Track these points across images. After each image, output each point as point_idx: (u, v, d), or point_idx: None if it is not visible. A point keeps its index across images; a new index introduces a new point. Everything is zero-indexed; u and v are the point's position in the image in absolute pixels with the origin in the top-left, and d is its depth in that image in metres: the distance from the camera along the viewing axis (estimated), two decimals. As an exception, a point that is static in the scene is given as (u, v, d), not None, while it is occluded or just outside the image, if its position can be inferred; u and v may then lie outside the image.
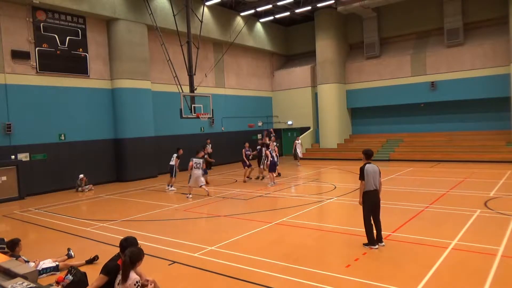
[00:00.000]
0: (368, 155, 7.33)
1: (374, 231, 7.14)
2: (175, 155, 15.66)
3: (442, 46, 22.62)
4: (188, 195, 13.38)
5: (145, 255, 4.81)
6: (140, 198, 14.09)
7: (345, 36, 26.45)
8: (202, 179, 13.53)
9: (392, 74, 24.26)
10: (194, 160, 13.50)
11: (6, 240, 7.09)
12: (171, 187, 15.45)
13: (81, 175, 16.43)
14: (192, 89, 18.18)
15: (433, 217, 9.29)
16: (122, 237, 5.04)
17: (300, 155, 21.99)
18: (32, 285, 3.79)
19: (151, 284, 4.67)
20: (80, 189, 16.24)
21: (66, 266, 6.50)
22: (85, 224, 10.16)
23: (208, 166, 21.40)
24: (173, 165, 15.37)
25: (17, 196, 14.74)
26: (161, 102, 20.60)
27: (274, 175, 15.70)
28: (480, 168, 17.36)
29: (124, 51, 18.44)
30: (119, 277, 4.50)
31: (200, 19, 19.51)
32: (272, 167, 15.43)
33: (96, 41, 18.11)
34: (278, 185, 15.22)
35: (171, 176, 15.37)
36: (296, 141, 22.09)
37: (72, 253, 7.36)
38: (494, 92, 20.75)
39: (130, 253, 4.50)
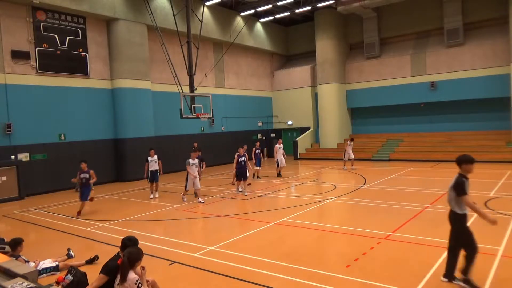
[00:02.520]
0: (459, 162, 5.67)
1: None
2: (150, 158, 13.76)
3: (442, 46, 22.62)
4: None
5: (146, 255, 4.80)
6: (140, 198, 14.09)
7: (345, 36, 26.45)
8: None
9: (392, 74, 24.27)
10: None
11: (8, 239, 7.09)
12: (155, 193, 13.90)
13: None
14: (192, 89, 18.18)
15: (433, 217, 9.29)
16: (123, 237, 5.03)
17: (352, 156, 19.20)
18: (32, 285, 3.79)
19: (150, 285, 4.66)
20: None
21: (66, 266, 6.50)
22: (85, 224, 10.16)
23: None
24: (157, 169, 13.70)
25: (17, 196, 14.74)
26: (161, 102, 20.60)
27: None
28: (480, 168, 17.35)
29: (124, 51, 18.44)
30: (119, 277, 4.50)
31: (200, 19, 19.52)
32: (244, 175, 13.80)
33: (96, 41, 18.11)
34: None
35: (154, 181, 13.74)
36: (348, 142, 19.56)
37: (72, 253, 7.36)
38: (494, 92, 20.75)
39: (128, 253, 4.48)
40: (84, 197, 11.32)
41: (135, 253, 4.52)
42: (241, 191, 13.76)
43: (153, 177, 13.67)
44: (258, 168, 17.31)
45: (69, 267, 6.12)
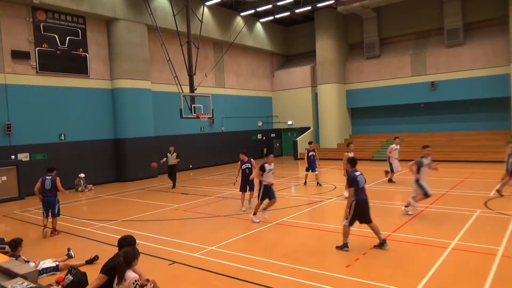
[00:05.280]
0: None
1: None
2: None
3: (442, 46, 22.62)
4: None
5: (146, 255, 4.80)
6: (140, 198, 14.09)
7: (345, 36, 26.45)
8: None
9: (392, 74, 24.27)
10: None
11: (8, 239, 7.10)
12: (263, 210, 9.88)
13: (82, 174, 16.47)
14: (192, 89, 18.17)
15: (433, 217, 9.28)
16: (121, 236, 5.04)
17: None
18: (32, 285, 3.79)
19: (151, 284, 4.66)
20: (80, 189, 16.24)
21: (66, 266, 6.50)
22: (85, 224, 10.16)
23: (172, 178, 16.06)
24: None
25: (17, 196, 14.73)
26: (161, 102, 20.60)
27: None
28: (480, 168, 17.35)
29: (124, 51, 18.44)
30: (116, 277, 4.49)
31: (200, 19, 19.51)
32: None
33: (96, 41, 18.11)
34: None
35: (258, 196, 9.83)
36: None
37: (72, 253, 7.35)
38: (494, 92, 20.76)
39: (123, 253, 4.48)
40: None
41: (130, 253, 4.52)
42: (244, 210, 10.94)
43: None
44: (315, 172, 14.81)
45: (69, 267, 6.13)
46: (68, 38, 16.94)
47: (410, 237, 7.60)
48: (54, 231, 9.37)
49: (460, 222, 8.62)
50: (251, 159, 11.31)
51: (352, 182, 7.21)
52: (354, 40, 26.42)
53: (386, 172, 14.80)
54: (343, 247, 7.07)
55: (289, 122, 28.60)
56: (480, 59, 21.27)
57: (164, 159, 15.90)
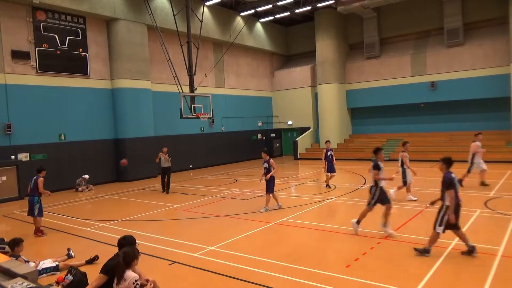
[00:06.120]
0: None
1: None
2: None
3: (442, 46, 22.63)
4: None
5: (146, 255, 4.79)
6: (140, 198, 14.09)
7: (345, 36, 26.45)
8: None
9: (392, 74, 24.27)
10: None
11: (8, 239, 7.10)
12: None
13: (86, 175, 16.50)
14: (192, 89, 18.18)
15: (433, 217, 9.26)
16: (120, 236, 5.04)
17: None
18: (32, 285, 3.79)
19: (150, 284, 4.66)
20: (80, 189, 16.25)
21: (66, 266, 6.51)
22: (85, 224, 10.16)
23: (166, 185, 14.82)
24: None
25: (17, 196, 14.73)
26: (161, 102, 20.60)
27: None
28: (480, 168, 17.33)
29: (124, 51, 18.44)
30: (116, 278, 4.49)
31: (200, 19, 19.51)
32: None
33: (96, 41, 18.11)
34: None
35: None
36: None
37: (72, 253, 7.36)
38: (494, 92, 20.76)
39: (123, 253, 4.47)
40: None
41: (130, 253, 4.50)
42: (262, 211, 10.63)
43: None
44: (333, 174, 14.07)
45: (69, 267, 6.13)
46: (68, 38, 16.94)
47: (410, 237, 7.60)
48: (38, 232, 9.18)
49: (460, 222, 8.60)
50: (271, 159, 10.70)
51: (451, 184, 6.46)
52: (354, 40, 26.41)
53: (482, 183, 12.66)
54: (425, 252, 6.57)
55: (289, 122, 28.61)
56: (480, 59, 21.27)
57: (157, 159, 15.09)
